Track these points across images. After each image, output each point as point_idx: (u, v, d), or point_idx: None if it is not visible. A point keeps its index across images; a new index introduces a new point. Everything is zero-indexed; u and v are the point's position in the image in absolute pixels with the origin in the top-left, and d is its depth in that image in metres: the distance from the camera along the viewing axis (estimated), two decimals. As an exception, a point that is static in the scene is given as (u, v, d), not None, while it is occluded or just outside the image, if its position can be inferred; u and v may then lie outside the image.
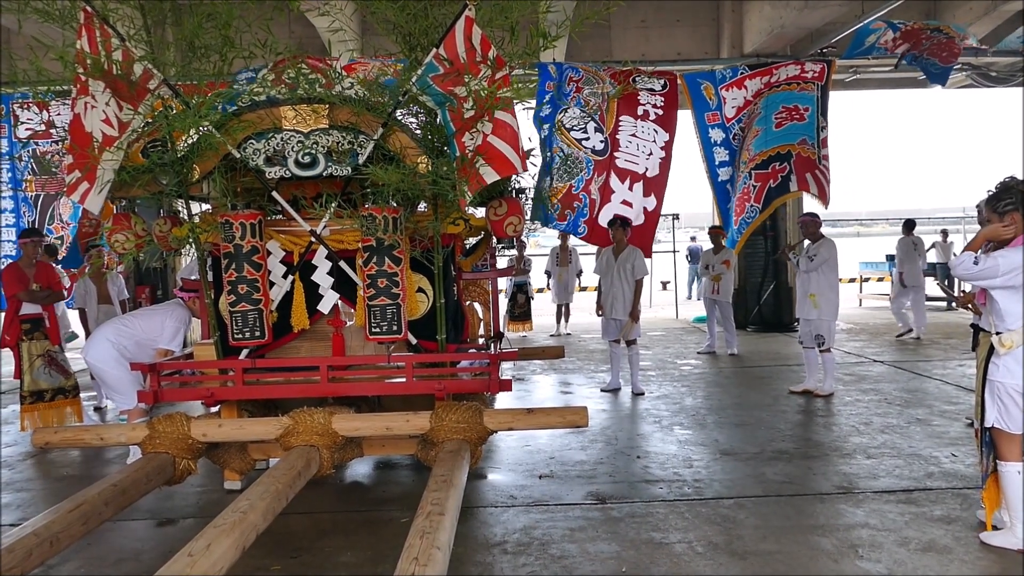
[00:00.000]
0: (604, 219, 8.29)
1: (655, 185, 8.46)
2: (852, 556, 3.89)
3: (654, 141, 8.43)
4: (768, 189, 8.64)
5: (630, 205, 8.38)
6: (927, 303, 12.28)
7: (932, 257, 16.41)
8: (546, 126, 8.26)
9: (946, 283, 14.58)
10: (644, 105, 8.48)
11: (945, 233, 16.36)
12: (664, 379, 8.83)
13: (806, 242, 7.96)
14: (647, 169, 8.44)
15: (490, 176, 4.14)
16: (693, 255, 19.66)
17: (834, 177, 8.76)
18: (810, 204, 9.52)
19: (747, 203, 8.75)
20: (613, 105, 8.42)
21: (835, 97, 9.24)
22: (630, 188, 8.38)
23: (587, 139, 8.35)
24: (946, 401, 7.21)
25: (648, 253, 8.47)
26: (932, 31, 9.13)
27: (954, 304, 14.95)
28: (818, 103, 8.78)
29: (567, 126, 8.33)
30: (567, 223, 8.48)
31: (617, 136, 8.42)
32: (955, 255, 16.00)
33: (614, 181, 8.39)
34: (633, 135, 8.43)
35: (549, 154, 8.22)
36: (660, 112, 8.51)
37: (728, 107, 8.90)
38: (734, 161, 8.96)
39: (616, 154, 8.36)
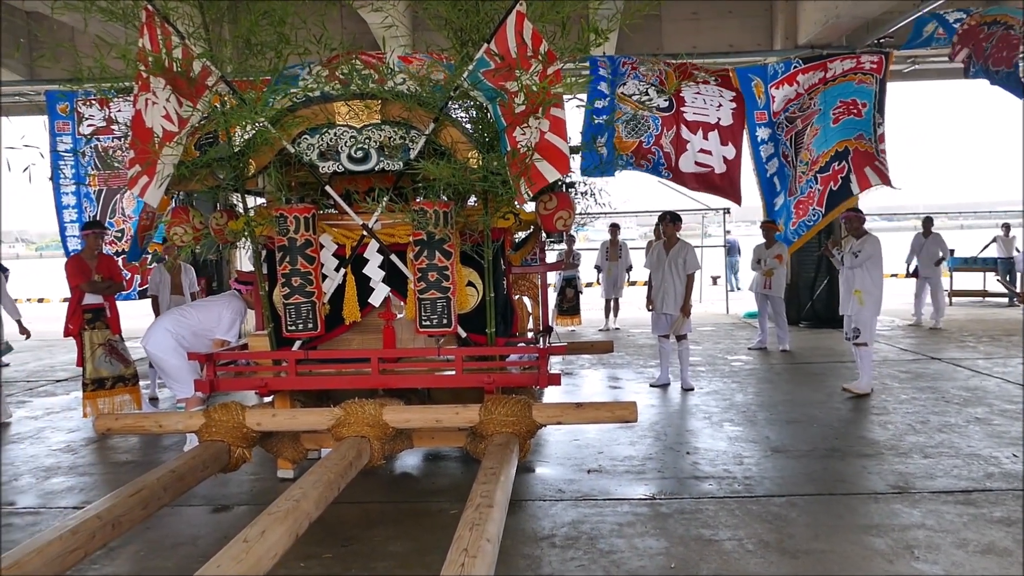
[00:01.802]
0: (685, 166, 8.30)
1: (731, 134, 8.38)
2: (908, 557, 3.81)
3: (720, 95, 8.39)
4: (829, 192, 8.43)
5: (709, 153, 8.32)
6: (989, 299, 12.24)
7: (993, 251, 15.96)
8: (605, 100, 8.27)
9: (1008, 278, 14.15)
10: (701, 82, 8.46)
11: (1007, 227, 15.84)
12: (714, 375, 8.74)
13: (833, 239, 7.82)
14: (719, 119, 8.38)
15: (550, 174, 4.13)
16: (730, 249, 19.50)
17: (892, 170, 8.53)
18: (864, 197, 9.27)
19: (810, 206, 8.56)
20: (671, 77, 8.37)
21: (893, 88, 8.99)
22: (705, 137, 8.33)
23: (650, 100, 8.35)
24: (1007, 400, 7.00)
25: (738, 201, 8.52)
26: (990, 25, 8.70)
27: (1016, 300, 14.51)
28: (876, 98, 8.54)
29: (628, 93, 8.33)
30: (647, 168, 8.48)
31: (681, 95, 8.39)
32: (1018, 250, 15.49)
33: (685, 132, 8.35)
34: (698, 93, 8.39)
35: (614, 114, 8.20)
36: (719, 81, 8.49)
37: (777, 103, 8.74)
38: (779, 152, 8.78)
39: (683, 109, 8.32)
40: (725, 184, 8.31)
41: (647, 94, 8.27)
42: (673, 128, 8.25)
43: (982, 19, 8.73)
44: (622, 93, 8.30)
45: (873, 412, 6.79)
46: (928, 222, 12.94)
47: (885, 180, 8.24)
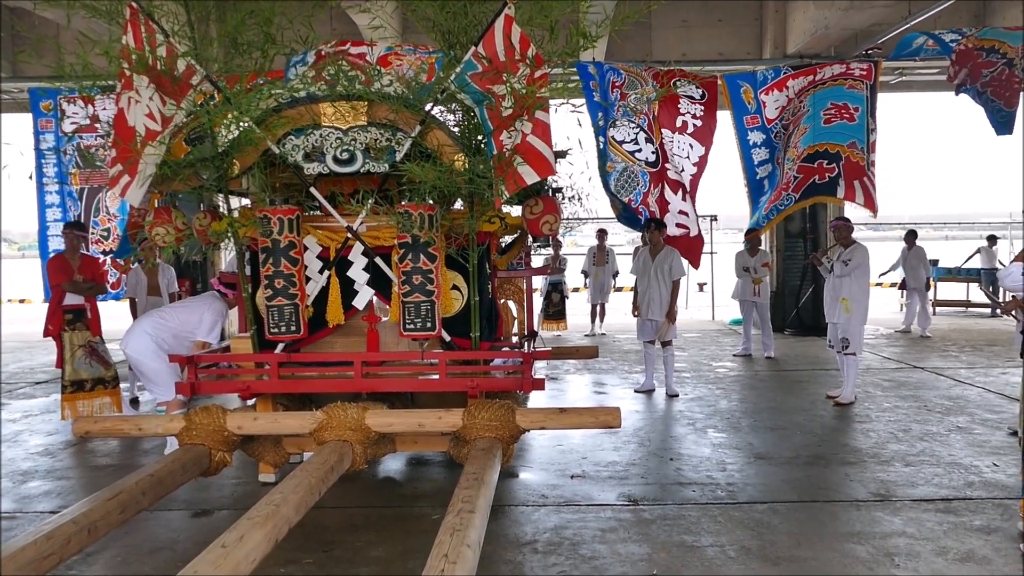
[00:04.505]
0: (669, 230, 8.31)
1: (691, 193, 8.41)
2: (888, 565, 3.82)
3: (687, 157, 8.36)
4: (812, 184, 8.39)
5: (686, 215, 8.32)
6: (972, 309, 12.35)
7: (977, 263, 16.11)
8: (600, 139, 8.23)
9: (991, 289, 14.27)
10: (684, 115, 8.39)
11: (992, 239, 15.99)
12: (699, 381, 8.76)
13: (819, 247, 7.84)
14: (683, 184, 8.40)
15: (530, 176, 4.13)
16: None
17: (878, 181, 8.56)
18: (850, 208, 9.31)
19: (784, 192, 8.55)
20: (655, 110, 8.35)
21: (880, 99, 9.02)
22: (683, 198, 8.35)
23: (639, 151, 8.30)
24: (988, 409, 7.06)
25: (696, 264, 8.57)
26: (987, 52, 8.69)
27: (999, 311, 14.62)
28: (867, 103, 8.55)
29: (618, 139, 8.30)
30: (636, 226, 8.55)
31: (665, 147, 8.39)
32: (1001, 263, 15.64)
33: (668, 193, 8.34)
34: (670, 151, 8.39)
35: (604, 167, 8.19)
36: (698, 123, 8.41)
37: (769, 109, 8.73)
38: (774, 158, 8.80)
39: (667, 165, 8.32)
40: (695, 246, 8.35)
41: (636, 142, 8.25)
42: (659, 186, 8.26)
43: (978, 42, 8.73)
44: (613, 139, 8.27)
45: (856, 420, 6.82)
46: (911, 235, 13.14)
47: (870, 204, 8.27)
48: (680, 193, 8.24)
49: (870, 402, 7.48)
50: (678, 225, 8.14)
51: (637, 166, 8.19)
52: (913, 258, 12.88)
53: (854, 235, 7.74)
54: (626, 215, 8.26)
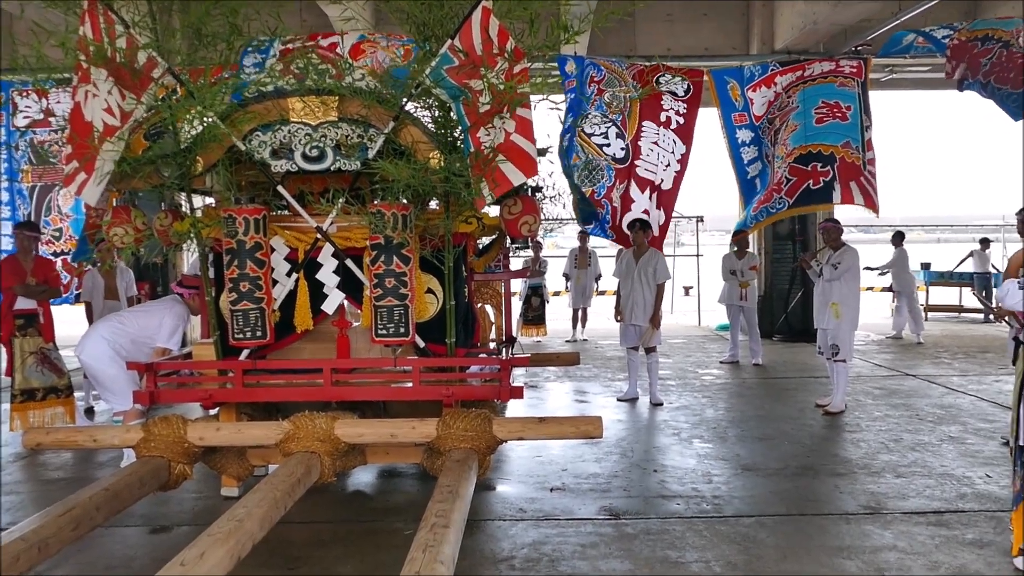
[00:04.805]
0: (625, 227, 8.28)
1: (667, 199, 8.42)
2: (879, 581, 3.85)
3: (672, 152, 8.39)
4: (806, 189, 8.41)
5: (649, 214, 8.35)
6: (965, 315, 12.61)
7: (970, 266, 16.31)
8: (567, 136, 8.23)
9: (983, 294, 14.46)
10: (667, 111, 8.42)
11: (985, 242, 16.18)
12: (684, 389, 8.80)
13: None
14: (662, 181, 8.40)
15: (516, 177, 4.14)
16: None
17: (879, 178, 8.55)
18: (850, 209, 9.37)
19: (776, 194, 8.55)
20: (636, 108, 8.37)
21: (870, 97, 9.10)
22: (650, 198, 8.35)
23: (608, 145, 8.31)
24: (981, 418, 7.14)
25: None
26: (983, 40, 8.76)
27: (992, 316, 14.81)
28: (860, 100, 8.60)
29: (587, 131, 8.31)
30: (595, 228, 8.49)
31: (639, 143, 8.37)
32: (994, 267, 15.79)
33: (634, 190, 8.35)
34: (655, 143, 8.38)
35: (568, 161, 8.19)
36: (681, 121, 8.45)
37: (757, 106, 8.77)
38: (763, 155, 8.85)
39: (637, 162, 8.32)
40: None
41: (606, 136, 8.28)
42: (624, 183, 8.27)
43: (971, 34, 8.77)
44: (582, 131, 8.29)
45: (846, 429, 6.88)
46: (898, 236, 13.41)
47: (870, 204, 8.23)
48: (648, 192, 8.26)
49: (860, 411, 7.55)
50: (636, 218, 8.14)
51: (603, 160, 8.22)
52: (899, 258, 13.19)
53: (844, 237, 7.82)
54: (584, 208, 8.20)
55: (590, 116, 8.25)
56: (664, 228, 8.48)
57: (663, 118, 8.38)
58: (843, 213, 9.47)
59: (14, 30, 5.86)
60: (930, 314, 15.90)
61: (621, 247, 8.79)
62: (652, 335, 7.94)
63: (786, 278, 13.10)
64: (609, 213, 8.28)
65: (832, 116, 8.44)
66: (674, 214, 15.06)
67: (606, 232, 8.41)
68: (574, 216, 8.52)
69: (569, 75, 8.32)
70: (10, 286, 6.77)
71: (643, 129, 8.32)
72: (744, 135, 8.85)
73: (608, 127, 8.23)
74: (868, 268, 13.42)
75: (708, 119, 8.72)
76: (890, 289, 13.78)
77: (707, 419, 7.34)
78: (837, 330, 7.47)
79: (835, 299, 7.49)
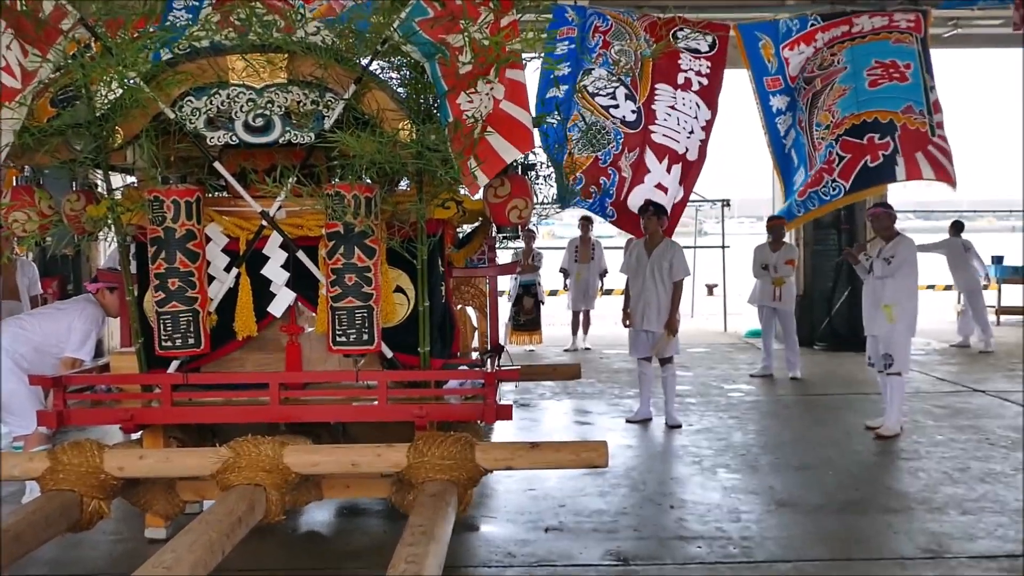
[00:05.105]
0: (634, 203, 8.24)
1: (691, 172, 8.40)
2: (940, 639, 3.87)
3: (695, 117, 8.36)
4: (864, 168, 8.36)
5: (665, 190, 8.31)
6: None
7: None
8: (564, 87, 8.20)
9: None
10: (686, 72, 8.40)
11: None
12: (707, 408, 8.82)
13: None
14: (687, 150, 8.38)
15: (508, 153, 4.14)
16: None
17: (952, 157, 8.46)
18: (893, 192, 9.37)
19: (827, 175, 8.47)
20: (648, 68, 8.36)
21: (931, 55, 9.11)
22: (667, 170, 8.31)
23: (615, 107, 8.30)
24: (1064, 443, 7.19)
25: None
26: None
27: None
28: (920, 58, 8.58)
29: (591, 91, 8.29)
30: (593, 203, 8.43)
31: (652, 107, 8.35)
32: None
33: (650, 158, 8.31)
34: (672, 107, 8.36)
35: (560, 119, 8.15)
36: (704, 82, 8.43)
37: (793, 67, 8.76)
38: (796, 120, 8.82)
39: (652, 127, 8.30)
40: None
41: (613, 97, 8.25)
42: (636, 150, 8.23)
43: None
44: (584, 88, 8.27)
45: (902, 456, 6.91)
46: (956, 226, 13.48)
47: (944, 176, 8.10)
48: (668, 162, 8.24)
49: (919, 434, 7.58)
50: (647, 201, 8.13)
51: (610, 123, 8.19)
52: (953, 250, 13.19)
53: (898, 225, 7.82)
54: (565, 185, 8.14)
55: (594, 72, 8.22)
56: (680, 208, 8.47)
57: (681, 80, 8.35)
58: (897, 196, 9.48)
59: None
60: (1002, 317, 15.96)
61: (631, 236, 8.78)
62: (668, 343, 7.95)
63: (830, 275, 13.12)
64: (614, 185, 8.24)
65: (888, 78, 8.40)
66: (696, 196, 15.13)
67: (605, 209, 8.36)
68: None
69: (568, 23, 8.30)
70: None
71: (656, 92, 8.30)
72: (779, 102, 8.83)
73: (616, 86, 8.21)
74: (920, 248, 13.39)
75: (735, 80, 8.70)
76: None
77: (734, 444, 7.36)
78: (891, 337, 7.49)
79: (888, 300, 7.49)
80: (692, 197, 15.22)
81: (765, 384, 10.26)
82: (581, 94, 8.25)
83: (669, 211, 8.24)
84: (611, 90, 8.26)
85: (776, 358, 10.79)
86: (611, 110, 8.28)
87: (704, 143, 8.37)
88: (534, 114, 4.55)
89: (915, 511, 5.57)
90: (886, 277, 7.51)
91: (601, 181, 8.24)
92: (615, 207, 8.30)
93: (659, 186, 8.23)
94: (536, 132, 4.80)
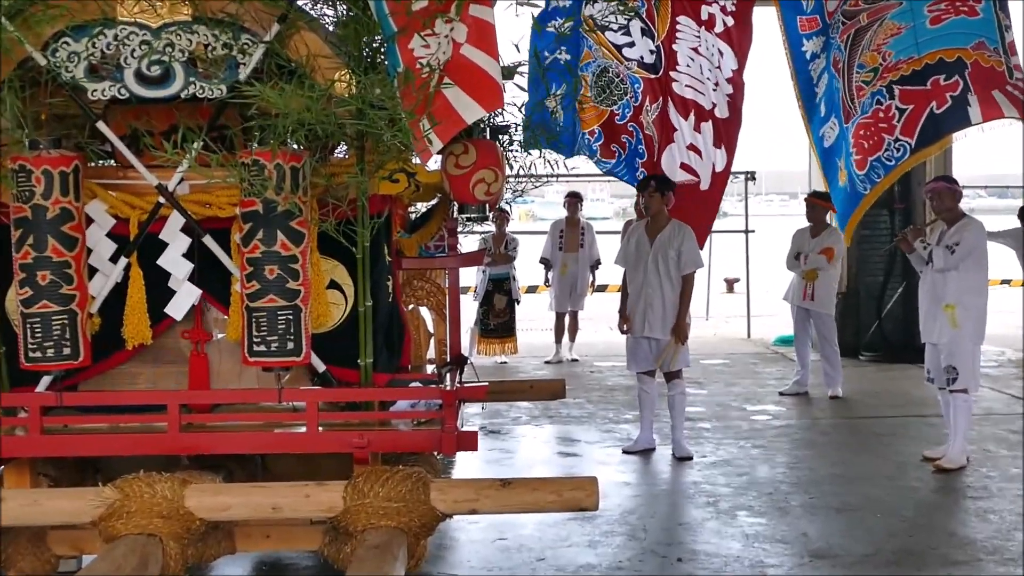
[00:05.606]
0: (667, 166, 8.22)
1: (726, 134, 8.38)
2: None
3: (719, 67, 8.36)
4: (929, 116, 8.30)
5: (699, 153, 8.30)
6: None
7: None
8: (565, 24, 8.16)
9: None
10: (710, 5, 8.42)
11: None
12: (725, 435, 8.85)
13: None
14: (714, 106, 8.37)
15: (470, 110, 4.14)
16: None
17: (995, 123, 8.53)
18: (960, 165, 9.36)
19: (887, 135, 8.39)
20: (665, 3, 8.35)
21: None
22: (696, 127, 8.31)
23: (631, 45, 8.29)
24: None
25: (702, 240, 8.52)
26: None
27: None
28: None
29: (599, 23, 8.25)
30: (617, 163, 8.43)
31: (673, 47, 8.36)
32: None
33: (673, 113, 8.33)
34: (695, 49, 8.37)
35: (575, 60, 8.11)
36: (729, 22, 8.44)
37: (832, 2, 8.79)
38: (830, 62, 8.80)
39: (672, 74, 8.31)
40: (706, 208, 8.43)
41: (627, 32, 8.22)
42: (658, 101, 8.23)
43: None
44: (590, 19, 8.20)
45: (968, 494, 6.95)
46: None
47: None
48: (693, 119, 8.24)
49: (990, 466, 7.64)
50: (684, 167, 8.13)
51: (624, 67, 8.17)
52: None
53: (964, 205, 7.81)
54: (568, 141, 8.08)
55: (599, 2, 8.18)
56: (723, 180, 8.45)
57: (704, 15, 8.36)
58: (965, 169, 9.51)
59: None
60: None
61: (630, 219, 8.75)
62: (676, 354, 7.95)
63: (879, 266, 13.17)
64: (642, 143, 8.23)
65: (955, 11, 8.39)
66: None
67: (635, 171, 8.35)
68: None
69: None
70: None
71: (678, 27, 8.30)
72: (813, 46, 8.83)
73: (630, 17, 8.15)
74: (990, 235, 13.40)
75: (760, 21, 8.70)
76: None
77: (759, 480, 7.39)
78: (954, 345, 7.51)
79: (951, 299, 7.50)
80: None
81: (798, 404, 10.31)
82: (589, 27, 8.20)
83: (708, 182, 8.23)
84: (624, 23, 8.21)
85: (812, 372, 10.83)
86: (625, 50, 8.27)
87: (733, 100, 8.37)
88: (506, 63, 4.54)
89: (983, 562, 5.61)
90: (948, 270, 7.50)
91: (624, 140, 8.23)
92: (647, 168, 8.28)
93: (692, 147, 8.23)
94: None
